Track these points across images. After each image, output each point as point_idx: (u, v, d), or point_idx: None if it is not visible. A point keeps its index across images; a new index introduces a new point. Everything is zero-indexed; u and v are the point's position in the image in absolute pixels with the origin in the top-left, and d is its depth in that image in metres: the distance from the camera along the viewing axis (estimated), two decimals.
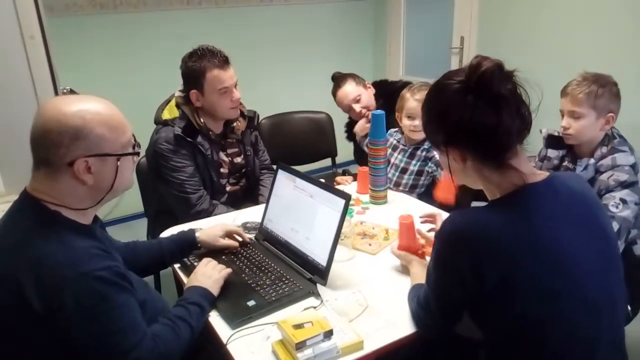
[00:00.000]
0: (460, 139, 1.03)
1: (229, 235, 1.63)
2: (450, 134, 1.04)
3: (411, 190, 2.12)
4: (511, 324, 1.01)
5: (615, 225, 1.57)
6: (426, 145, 2.08)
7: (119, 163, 1.12)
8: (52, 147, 1.05)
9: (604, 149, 1.70)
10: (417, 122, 2.02)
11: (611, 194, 1.62)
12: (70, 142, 1.05)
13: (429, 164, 2.08)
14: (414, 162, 2.11)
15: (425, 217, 1.66)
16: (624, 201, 1.60)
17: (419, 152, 2.11)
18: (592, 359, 1.02)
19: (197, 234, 1.57)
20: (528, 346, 1.01)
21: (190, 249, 1.57)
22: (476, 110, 0.98)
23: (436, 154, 2.02)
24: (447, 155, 1.07)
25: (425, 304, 1.16)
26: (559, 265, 0.99)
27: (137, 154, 1.19)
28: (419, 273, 1.36)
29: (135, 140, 1.17)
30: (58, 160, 1.06)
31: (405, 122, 2.07)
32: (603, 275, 1.04)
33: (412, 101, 2.03)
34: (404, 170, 2.13)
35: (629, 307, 1.73)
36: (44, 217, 1.07)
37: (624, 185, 1.62)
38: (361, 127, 2.39)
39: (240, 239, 1.64)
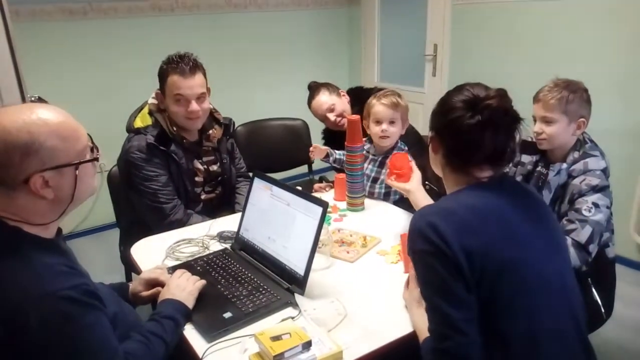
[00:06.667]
0: (443, 134, 1.18)
1: (151, 283, 1.45)
2: (439, 126, 1.18)
3: (385, 198, 2.11)
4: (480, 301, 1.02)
5: (589, 229, 1.59)
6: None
7: (77, 172, 1.06)
8: (2, 167, 0.98)
9: (576, 154, 1.73)
10: (385, 127, 2.01)
11: (583, 198, 1.64)
12: (21, 159, 0.98)
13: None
14: (384, 170, 2.09)
15: None
16: (596, 205, 1.62)
17: (387, 161, 2.09)
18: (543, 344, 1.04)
19: (130, 289, 1.44)
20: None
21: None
22: (469, 123, 1.10)
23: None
24: (429, 139, 1.23)
25: (438, 316, 1.04)
26: (514, 240, 1.07)
27: (96, 159, 1.12)
28: (418, 315, 1.23)
29: (92, 143, 1.12)
30: (11, 180, 1.00)
31: (374, 128, 2.04)
32: (554, 259, 1.13)
33: (379, 105, 2.02)
34: (375, 180, 2.11)
35: (602, 309, 1.77)
36: (3, 233, 1.01)
37: (595, 189, 1.64)
38: (318, 153, 2.26)
39: (163, 279, 1.43)
